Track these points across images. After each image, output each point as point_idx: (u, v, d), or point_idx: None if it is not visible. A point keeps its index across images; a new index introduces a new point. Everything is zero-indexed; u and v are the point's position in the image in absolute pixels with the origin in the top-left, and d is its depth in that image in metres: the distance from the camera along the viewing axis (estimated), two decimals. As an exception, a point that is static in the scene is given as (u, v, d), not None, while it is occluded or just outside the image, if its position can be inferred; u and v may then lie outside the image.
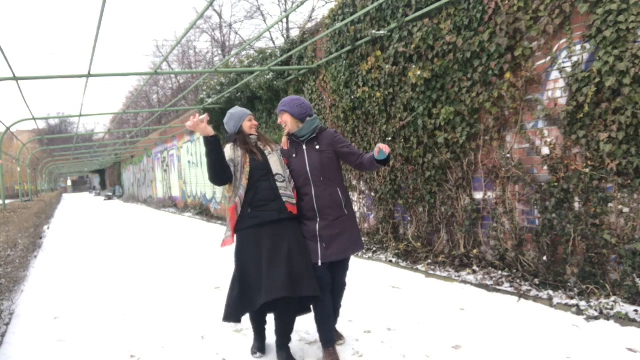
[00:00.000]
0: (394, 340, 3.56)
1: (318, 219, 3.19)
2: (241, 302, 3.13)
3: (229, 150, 3.24)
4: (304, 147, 3.30)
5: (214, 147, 3.07)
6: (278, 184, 3.17)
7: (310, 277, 3.04)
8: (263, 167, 3.19)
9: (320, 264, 3.13)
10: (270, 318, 3.48)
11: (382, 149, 3.02)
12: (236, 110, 3.34)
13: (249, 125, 3.30)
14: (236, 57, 15.17)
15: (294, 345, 3.57)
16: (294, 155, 3.31)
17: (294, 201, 3.19)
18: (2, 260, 5.61)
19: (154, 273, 6.61)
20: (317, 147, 3.28)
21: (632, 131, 3.77)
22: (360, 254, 6.62)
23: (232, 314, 3.18)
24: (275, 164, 3.23)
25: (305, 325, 3.97)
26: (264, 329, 3.48)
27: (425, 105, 5.70)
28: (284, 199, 3.15)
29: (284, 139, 3.43)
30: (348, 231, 3.24)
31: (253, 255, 3.10)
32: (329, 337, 3.26)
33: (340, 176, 3.38)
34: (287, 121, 3.31)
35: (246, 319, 3.40)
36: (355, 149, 3.35)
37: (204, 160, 15.67)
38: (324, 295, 3.17)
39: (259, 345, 3.47)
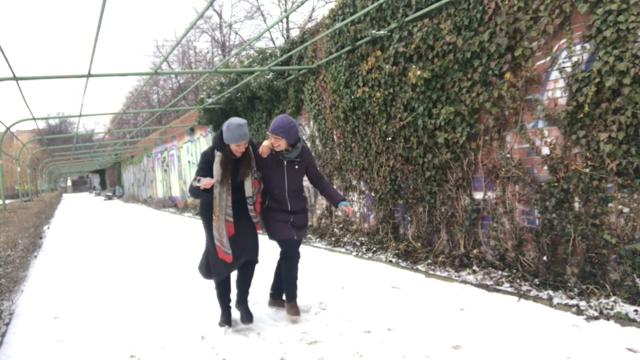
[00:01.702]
0: (394, 340, 3.56)
1: (292, 214, 4.07)
2: (224, 265, 3.84)
3: (217, 166, 3.69)
4: (285, 163, 3.94)
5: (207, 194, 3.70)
6: (248, 207, 3.90)
7: (255, 247, 4.01)
8: (240, 190, 3.85)
9: (296, 238, 4.07)
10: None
11: (345, 210, 4.05)
12: (237, 129, 3.59)
13: (236, 149, 3.69)
14: (236, 57, 15.16)
15: (294, 345, 3.59)
16: (273, 167, 3.95)
17: (255, 214, 3.97)
18: (2, 260, 5.61)
19: (154, 273, 6.61)
20: (297, 166, 3.98)
21: (632, 131, 3.77)
22: (360, 253, 6.64)
23: (214, 274, 3.91)
24: (249, 188, 3.85)
25: (305, 326, 3.98)
26: (229, 299, 4.10)
27: (425, 105, 5.70)
28: (251, 213, 3.95)
29: (265, 149, 3.91)
30: (305, 220, 4.24)
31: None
32: (294, 294, 4.11)
33: (297, 183, 4.12)
34: (282, 145, 3.85)
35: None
36: (319, 173, 4.23)
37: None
38: (294, 262, 4.06)
39: (227, 318, 4.05)
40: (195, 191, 3.64)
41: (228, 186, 3.73)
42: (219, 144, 3.70)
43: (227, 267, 3.87)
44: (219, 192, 3.70)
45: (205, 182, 3.52)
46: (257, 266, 4.13)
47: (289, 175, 3.98)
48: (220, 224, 3.72)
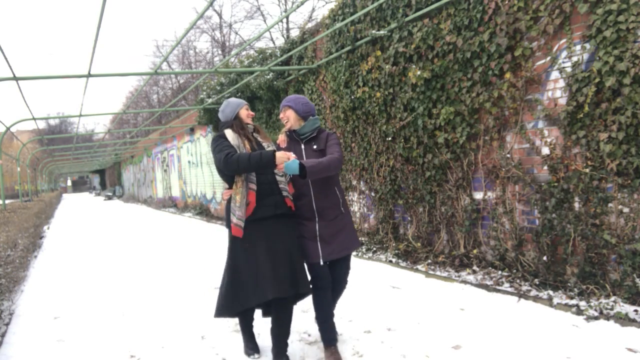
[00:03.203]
0: (394, 340, 3.56)
1: (317, 219, 3.17)
2: (234, 298, 3.09)
3: (231, 135, 3.12)
4: (302, 146, 3.26)
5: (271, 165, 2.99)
6: (277, 178, 3.11)
7: (305, 277, 3.06)
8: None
9: (322, 263, 3.11)
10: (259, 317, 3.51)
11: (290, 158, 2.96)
12: (233, 99, 3.33)
13: (246, 113, 3.27)
14: (236, 57, 15.16)
15: (294, 345, 3.58)
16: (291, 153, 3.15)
17: (291, 196, 3.16)
18: (2, 260, 5.61)
19: (154, 273, 6.61)
20: (315, 147, 3.23)
21: (632, 131, 3.77)
22: (360, 253, 6.63)
23: (225, 310, 3.17)
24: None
25: (305, 326, 3.97)
26: (252, 327, 3.51)
27: (425, 105, 5.70)
28: (284, 193, 3.10)
29: (282, 137, 3.38)
30: (346, 229, 3.24)
31: (246, 253, 3.03)
32: (331, 335, 3.24)
33: (337, 175, 3.35)
34: (290, 117, 3.26)
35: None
36: (330, 150, 3.22)
37: (204, 160, 15.69)
38: (325, 294, 3.17)
39: (253, 345, 3.46)
40: (261, 166, 2.95)
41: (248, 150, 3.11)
42: (227, 122, 3.24)
43: (257, 291, 2.97)
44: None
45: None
46: None
47: (308, 157, 3.21)
48: (243, 190, 3.01)
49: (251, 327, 3.50)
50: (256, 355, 3.42)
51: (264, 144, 3.24)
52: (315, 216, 3.17)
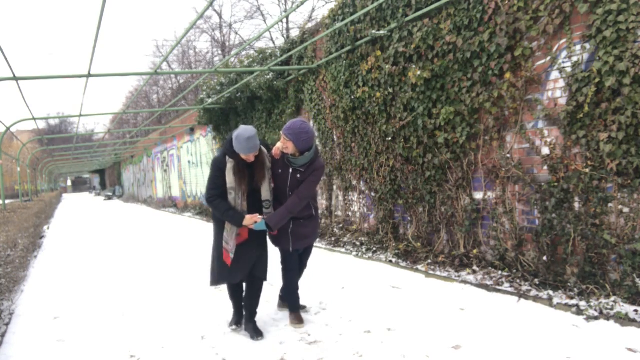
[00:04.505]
0: (394, 340, 3.56)
1: (292, 221, 3.87)
2: (221, 272, 3.82)
3: (230, 168, 3.63)
4: (290, 171, 3.78)
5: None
6: (264, 210, 3.78)
7: (263, 266, 3.89)
8: (254, 195, 3.76)
9: (291, 250, 3.94)
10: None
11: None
12: (247, 143, 3.48)
13: (246, 158, 3.61)
14: (236, 57, 15.17)
15: (294, 345, 3.59)
16: (279, 171, 3.81)
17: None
18: (2, 260, 5.61)
19: (154, 273, 6.61)
20: (299, 175, 3.77)
21: (632, 131, 3.77)
22: (360, 253, 6.64)
23: (219, 280, 3.88)
24: (266, 192, 3.75)
25: (306, 327, 3.98)
26: (239, 299, 4.06)
27: (425, 105, 5.70)
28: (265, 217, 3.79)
29: (278, 150, 3.81)
30: (311, 227, 4.00)
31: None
32: (295, 304, 4.13)
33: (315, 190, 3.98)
34: (289, 147, 3.69)
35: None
36: (304, 187, 3.77)
37: (204, 160, 15.70)
38: (293, 274, 4.04)
39: (237, 319, 4.06)
40: (222, 210, 3.65)
41: (243, 191, 3.65)
42: (230, 150, 3.59)
43: (232, 274, 3.78)
44: (234, 198, 3.63)
45: (248, 221, 3.61)
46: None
47: (292, 182, 3.79)
48: (233, 227, 3.66)
49: (238, 298, 4.05)
50: (235, 327, 4.04)
51: (256, 177, 3.70)
52: (290, 220, 3.85)
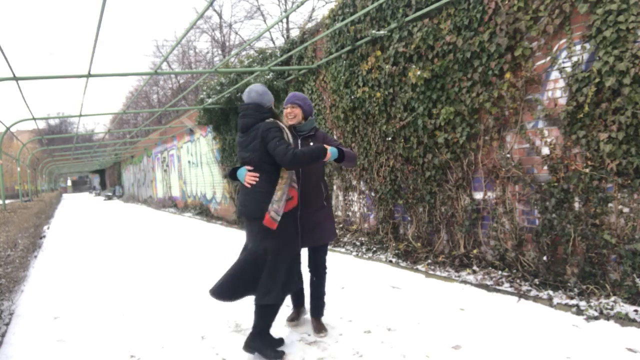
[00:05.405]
0: (394, 340, 3.56)
1: (300, 208, 3.55)
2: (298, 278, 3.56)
3: (282, 125, 3.40)
4: (299, 141, 3.66)
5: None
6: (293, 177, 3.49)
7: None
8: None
9: (299, 248, 3.56)
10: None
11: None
12: (264, 88, 3.55)
13: (287, 113, 3.63)
14: (236, 57, 15.17)
15: (294, 345, 3.58)
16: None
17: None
18: (2, 260, 5.61)
19: (154, 273, 6.61)
20: (312, 144, 3.59)
21: (632, 131, 3.77)
22: (360, 253, 6.63)
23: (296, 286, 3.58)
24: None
25: (306, 327, 3.97)
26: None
27: (425, 105, 5.70)
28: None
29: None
30: (325, 221, 3.70)
31: (296, 239, 3.52)
32: (318, 310, 3.86)
33: (323, 172, 3.79)
34: (297, 114, 3.65)
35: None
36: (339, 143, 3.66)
37: (204, 160, 15.68)
38: (317, 276, 3.79)
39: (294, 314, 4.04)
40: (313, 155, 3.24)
41: (295, 146, 3.52)
42: (273, 113, 3.46)
43: (300, 280, 3.60)
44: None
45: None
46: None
47: None
48: (284, 187, 3.27)
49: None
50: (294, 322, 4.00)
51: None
52: (299, 204, 3.52)
